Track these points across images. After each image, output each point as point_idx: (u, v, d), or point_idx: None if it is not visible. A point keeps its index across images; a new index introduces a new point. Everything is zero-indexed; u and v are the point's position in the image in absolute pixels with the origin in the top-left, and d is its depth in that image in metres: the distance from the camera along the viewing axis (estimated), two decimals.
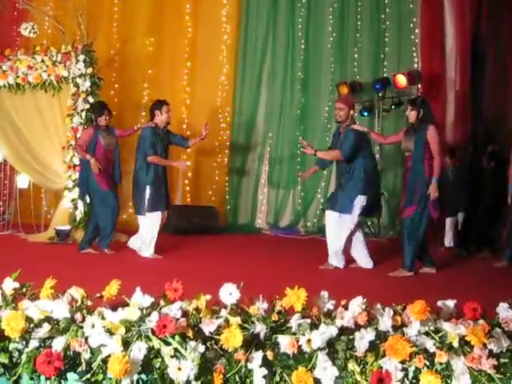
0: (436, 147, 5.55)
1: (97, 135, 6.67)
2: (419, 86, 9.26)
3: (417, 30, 9.47)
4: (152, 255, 6.34)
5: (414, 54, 9.50)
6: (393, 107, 8.99)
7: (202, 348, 2.37)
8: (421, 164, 5.57)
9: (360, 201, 5.80)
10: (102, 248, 6.62)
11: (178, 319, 2.43)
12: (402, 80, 8.82)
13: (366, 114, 9.32)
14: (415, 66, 9.42)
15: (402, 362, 2.31)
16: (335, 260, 5.93)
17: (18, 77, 7.94)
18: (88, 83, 7.72)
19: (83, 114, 7.66)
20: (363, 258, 5.99)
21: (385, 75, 9.41)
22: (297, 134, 9.66)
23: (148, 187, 6.33)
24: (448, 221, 8.15)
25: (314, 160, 6.52)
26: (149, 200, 6.32)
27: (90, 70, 7.75)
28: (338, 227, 5.85)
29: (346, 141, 5.86)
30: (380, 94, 9.06)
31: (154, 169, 6.35)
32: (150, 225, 6.36)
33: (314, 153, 5.95)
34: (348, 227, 5.84)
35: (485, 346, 2.34)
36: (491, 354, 2.33)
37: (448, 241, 8.14)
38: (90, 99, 7.69)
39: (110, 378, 2.36)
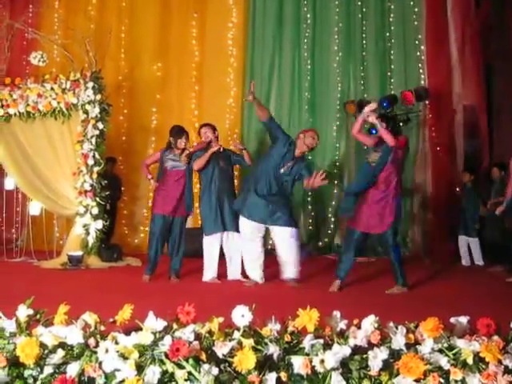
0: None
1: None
2: (427, 102, 9.31)
3: (422, 47, 9.55)
4: (210, 279, 6.29)
5: (421, 71, 9.55)
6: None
7: (215, 371, 2.36)
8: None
9: None
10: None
11: (190, 342, 2.43)
12: (410, 96, 8.91)
13: (374, 132, 9.30)
14: (422, 82, 9.47)
15: (417, 381, 2.28)
16: (296, 271, 5.99)
17: (28, 105, 8.03)
18: (97, 110, 7.79)
19: (93, 140, 7.73)
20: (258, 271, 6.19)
21: (392, 92, 9.45)
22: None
23: (201, 210, 6.41)
24: (462, 238, 8.10)
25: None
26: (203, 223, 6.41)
27: (98, 97, 7.83)
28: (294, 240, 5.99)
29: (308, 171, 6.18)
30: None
31: (207, 192, 6.38)
32: (205, 248, 6.37)
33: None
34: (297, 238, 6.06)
35: (500, 362, 2.31)
36: (507, 371, 2.29)
37: (465, 260, 8.10)
38: (100, 125, 7.77)
39: None
